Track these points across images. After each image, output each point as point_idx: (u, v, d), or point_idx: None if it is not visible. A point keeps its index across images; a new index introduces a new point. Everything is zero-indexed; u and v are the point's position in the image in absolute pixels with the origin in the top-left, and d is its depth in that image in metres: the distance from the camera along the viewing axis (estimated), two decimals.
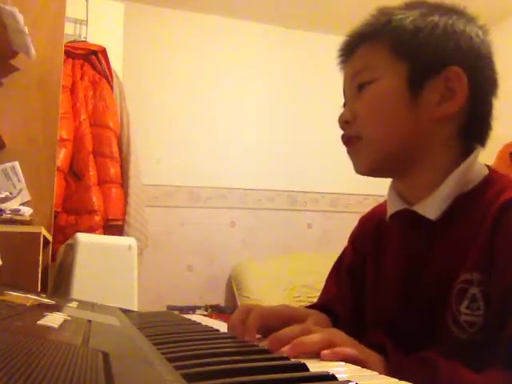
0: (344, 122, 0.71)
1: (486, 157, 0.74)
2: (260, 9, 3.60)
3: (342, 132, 0.72)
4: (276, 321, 0.65)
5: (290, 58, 3.79)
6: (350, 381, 0.35)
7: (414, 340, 0.63)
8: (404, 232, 0.71)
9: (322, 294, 0.86)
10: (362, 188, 3.37)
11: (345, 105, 0.74)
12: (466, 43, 0.66)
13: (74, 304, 0.81)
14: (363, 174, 0.71)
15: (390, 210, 0.73)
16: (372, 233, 0.79)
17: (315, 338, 0.50)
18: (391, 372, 0.49)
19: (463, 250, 0.61)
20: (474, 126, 0.68)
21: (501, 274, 0.56)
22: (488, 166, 0.69)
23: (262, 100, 3.71)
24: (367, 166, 0.70)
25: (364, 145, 0.69)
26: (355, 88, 0.70)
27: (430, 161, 0.67)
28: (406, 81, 0.66)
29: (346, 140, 0.71)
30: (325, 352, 0.48)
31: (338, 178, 3.60)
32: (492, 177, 0.66)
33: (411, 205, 0.69)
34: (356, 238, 0.84)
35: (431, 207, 0.66)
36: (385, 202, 0.76)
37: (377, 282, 0.75)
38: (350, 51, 0.72)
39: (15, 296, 0.70)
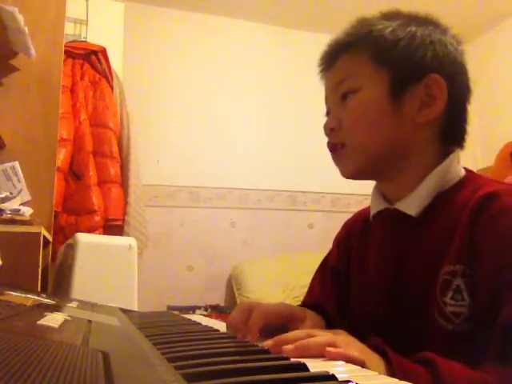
0: (329, 130, 0.74)
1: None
2: (260, 9, 3.60)
3: None
4: (276, 320, 0.66)
5: (289, 58, 3.79)
6: (349, 381, 0.35)
7: (400, 336, 0.63)
8: (387, 230, 0.74)
9: (306, 295, 0.88)
10: (362, 188, 3.37)
11: (328, 113, 0.77)
12: (443, 51, 0.69)
13: (74, 304, 0.81)
14: (348, 178, 0.74)
15: (373, 210, 0.76)
16: (357, 234, 0.82)
17: (319, 341, 0.51)
18: (392, 374, 0.50)
19: (444, 244, 0.63)
20: (452, 130, 0.71)
21: (483, 264, 0.58)
22: (466, 168, 0.72)
23: (262, 99, 3.71)
24: (352, 171, 0.73)
25: (349, 151, 0.71)
26: (339, 97, 0.73)
27: (411, 164, 0.70)
28: (388, 89, 0.69)
29: (332, 147, 0.74)
30: (329, 349, 0.48)
31: (339, 178, 3.58)
32: (469, 177, 0.70)
33: (393, 205, 0.71)
34: (341, 241, 0.87)
35: (412, 204, 0.69)
36: (369, 205, 0.79)
37: (361, 281, 0.77)
38: (331, 60, 0.75)
39: (15, 296, 0.70)
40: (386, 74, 0.69)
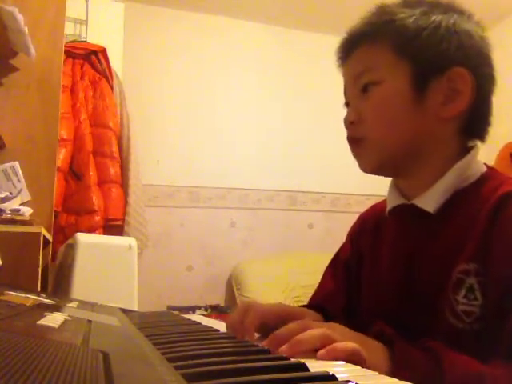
0: (349, 123, 0.71)
1: (487, 157, 0.75)
2: (260, 9, 3.60)
3: (343, 131, 0.73)
4: (274, 320, 0.65)
5: (289, 58, 3.79)
6: (349, 381, 0.35)
7: (411, 331, 0.63)
8: (402, 226, 0.72)
9: (316, 290, 0.87)
10: (362, 188, 3.38)
11: (347, 104, 0.74)
12: (468, 42, 0.66)
13: (74, 304, 0.81)
14: (368, 173, 0.72)
15: (389, 205, 0.74)
16: (371, 228, 0.80)
17: (313, 333, 0.49)
18: (395, 363, 0.50)
19: (460, 242, 0.62)
20: (475, 124, 0.69)
21: (498, 265, 0.57)
22: (486, 164, 0.70)
23: (261, 99, 3.71)
24: (372, 165, 0.71)
25: (370, 145, 0.69)
26: (359, 89, 0.70)
27: (431, 159, 0.68)
28: (410, 81, 0.66)
29: (352, 141, 0.72)
30: (321, 352, 0.47)
31: (339, 178, 3.60)
32: (489, 174, 0.68)
33: (410, 200, 0.70)
34: (354, 235, 0.85)
35: (430, 200, 0.67)
36: (385, 199, 0.77)
37: (373, 276, 0.76)
38: (349, 50, 0.72)
39: (15, 296, 0.70)
40: (408, 65, 0.66)
